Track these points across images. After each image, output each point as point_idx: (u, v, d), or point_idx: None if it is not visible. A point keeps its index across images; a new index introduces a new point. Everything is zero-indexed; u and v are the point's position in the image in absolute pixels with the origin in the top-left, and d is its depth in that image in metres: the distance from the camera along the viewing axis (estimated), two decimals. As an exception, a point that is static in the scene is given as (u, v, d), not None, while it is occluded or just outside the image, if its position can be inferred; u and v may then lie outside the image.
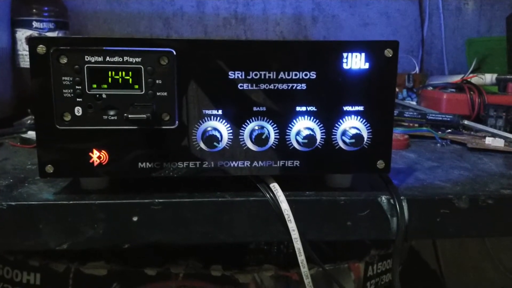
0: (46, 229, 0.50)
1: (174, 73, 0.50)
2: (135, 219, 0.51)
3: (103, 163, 0.50)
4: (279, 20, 1.26)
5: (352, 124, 0.52)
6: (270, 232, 0.53)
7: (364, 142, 0.52)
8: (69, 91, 0.49)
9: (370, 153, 0.53)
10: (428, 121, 0.92)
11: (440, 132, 0.87)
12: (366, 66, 0.51)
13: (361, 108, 0.52)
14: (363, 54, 0.50)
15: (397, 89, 1.16)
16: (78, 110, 0.49)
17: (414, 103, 1.11)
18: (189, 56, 0.49)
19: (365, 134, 0.52)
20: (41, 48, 0.48)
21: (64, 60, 0.48)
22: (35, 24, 0.96)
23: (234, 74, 0.50)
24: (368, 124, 0.52)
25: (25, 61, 0.98)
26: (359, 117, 0.52)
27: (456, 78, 1.12)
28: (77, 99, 0.49)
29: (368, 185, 0.57)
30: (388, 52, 0.51)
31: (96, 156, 0.50)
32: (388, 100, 0.52)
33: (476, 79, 1.13)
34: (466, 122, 0.90)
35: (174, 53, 0.49)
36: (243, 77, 0.50)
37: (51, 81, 0.49)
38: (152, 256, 0.59)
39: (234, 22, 1.24)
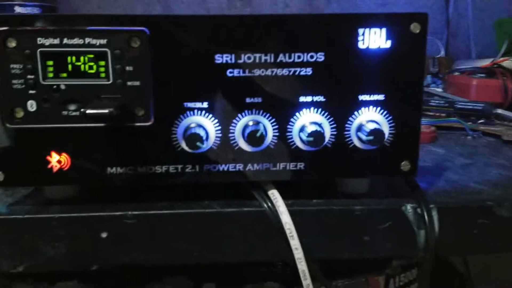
0: (-2, 249, 0.42)
1: (148, 57, 0.40)
2: (104, 235, 0.42)
3: (64, 169, 0.41)
4: (289, 1, 1.15)
5: (370, 117, 0.42)
6: (269, 250, 0.43)
7: (385, 139, 0.42)
8: (20, 81, 0.40)
9: (392, 152, 0.43)
10: (457, 111, 0.81)
11: (470, 123, 0.77)
12: (388, 44, 0.41)
13: (381, 97, 0.42)
14: (383, 30, 0.40)
15: None
16: (31, 105, 0.40)
17: (440, 90, 1.00)
18: (165, 36, 0.40)
19: (386, 129, 0.42)
20: (-18, 29, 0.39)
21: (12, 44, 0.39)
22: (17, 9, 0.87)
23: (222, 57, 0.40)
24: (391, 117, 0.42)
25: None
26: (378, 109, 0.42)
27: (486, 62, 1.01)
28: (30, 92, 0.40)
29: (389, 190, 0.47)
30: (415, 27, 0.40)
31: (56, 160, 0.41)
32: (415, 87, 0.42)
33: (508, 63, 1.01)
34: (499, 111, 0.79)
35: (148, 32, 0.40)
36: (232, 61, 0.40)
37: (-3, 70, 0.40)
38: (134, 273, 0.51)
39: (240, 4, 1.13)
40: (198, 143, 0.40)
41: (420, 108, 0.42)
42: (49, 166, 0.41)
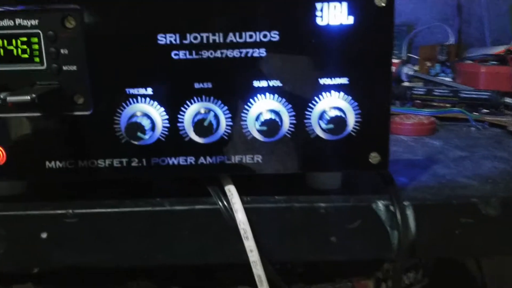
0: None
1: (84, 39, 0.36)
2: (44, 235, 0.39)
3: (0, 163, 0.38)
4: None
5: (333, 103, 0.37)
6: (224, 252, 0.39)
7: (351, 128, 0.38)
8: (-50, 68, 0.37)
9: (359, 143, 0.38)
10: (462, 100, 0.75)
11: (475, 113, 0.71)
12: (350, 20, 0.36)
13: (344, 80, 0.37)
14: (344, 4, 0.36)
15: (428, 64, 0.98)
16: (-38, 93, 0.37)
17: (448, 79, 0.94)
18: (102, 14, 0.36)
19: (351, 117, 0.37)
20: None
21: None
22: None
23: (166, 38, 0.36)
24: (356, 104, 0.37)
25: None
26: (342, 94, 0.37)
27: (499, 49, 0.94)
28: (-40, 79, 0.37)
29: (362, 186, 0.42)
30: (380, 1, 0.36)
31: (-10, 153, 0.38)
32: (383, 69, 0.37)
33: (523, 50, 0.94)
34: (508, 100, 0.73)
35: (82, 10, 0.36)
36: (177, 41, 0.36)
37: None
38: (93, 275, 0.47)
39: None
40: (139, 134, 0.36)
41: (388, 92, 0.37)
42: (-16, 160, 0.38)
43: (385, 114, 0.38)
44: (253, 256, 0.38)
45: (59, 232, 0.39)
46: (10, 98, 0.34)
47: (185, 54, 0.37)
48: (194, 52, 0.37)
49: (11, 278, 0.48)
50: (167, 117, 0.38)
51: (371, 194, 0.40)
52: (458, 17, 1.08)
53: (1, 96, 0.37)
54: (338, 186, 0.42)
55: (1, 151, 0.38)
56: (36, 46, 0.37)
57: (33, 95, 0.34)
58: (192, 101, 0.37)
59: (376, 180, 0.43)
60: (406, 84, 0.91)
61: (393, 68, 0.82)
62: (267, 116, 0.36)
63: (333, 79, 0.37)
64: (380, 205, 0.39)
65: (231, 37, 0.36)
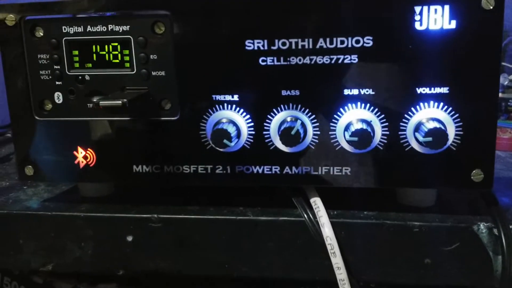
0: (26, 245, 0.40)
1: (173, 44, 0.36)
2: (129, 239, 0.39)
3: (90, 165, 0.39)
4: None
5: (431, 115, 0.34)
6: (308, 267, 0.37)
7: (450, 142, 0.34)
8: (47, 72, 0.38)
9: (460, 158, 0.35)
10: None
11: None
12: (452, 25, 0.33)
13: (444, 90, 0.34)
14: (446, 7, 0.33)
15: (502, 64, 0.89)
16: (58, 97, 0.39)
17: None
18: (192, 20, 0.36)
19: (451, 129, 0.34)
20: (10, 19, 0.38)
21: (40, 33, 0.38)
22: None
23: (253, 43, 0.35)
24: (457, 115, 0.34)
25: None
26: (441, 104, 0.34)
27: None
28: (57, 83, 0.38)
29: (460, 205, 0.39)
30: (487, 3, 0.32)
31: (82, 155, 0.39)
32: (489, 78, 0.33)
33: None
34: None
35: (172, 16, 0.36)
36: (265, 47, 0.35)
37: (26, 60, 0.38)
38: (169, 281, 0.47)
39: None
40: (225, 141, 0.35)
41: (495, 103, 0.34)
42: (76, 161, 0.39)
43: (490, 127, 0.34)
44: (341, 274, 0.35)
45: (143, 236, 0.39)
46: (103, 103, 0.34)
47: (272, 60, 0.35)
48: (282, 59, 0.35)
49: (96, 277, 0.49)
50: (252, 124, 0.37)
51: (470, 215, 0.37)
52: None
53: (94, 100, 0.37)
54: (432, 204, 0.39)
55: (92, 153, 0.39)
56: (126, 51, 0.37)
57: (124, 100, 0.34)
58: (279, 108, 0.36)
59: (474, 199, 0.40)
60: (500, 95, 0.84)
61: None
62: (358, 126, 0.34)
63: (432, 88, 0.34)
64: (482, 227, 0.35)
65: (321, 42, 0.35)
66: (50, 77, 0.38)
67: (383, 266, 0.37)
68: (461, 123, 0.34)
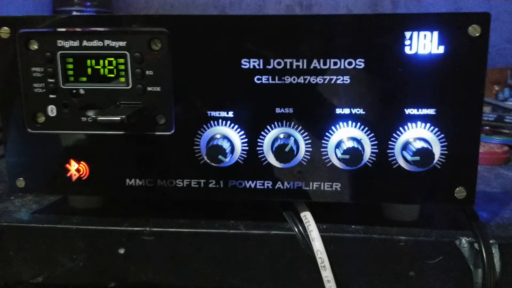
0: (17, 257, 0.40)
1: (169, 61, 0.37)
2: (121, 251, 0.39)
3: (83, 178, 0.39)
4: (351, 7, 1.07)
5: (417, 134, 0.36)
6: (298, 280, 0.39)
7: (436, 161, 0.36)
8: (41, 85, 0.38)
9: (444, 176, 0.36)
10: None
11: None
12: (440, 50, 0.35)
13: (431, 111, 0.36)
14: (435, 33, 0.34)
15: (496, 88, 0.94)
16: (51, 110, 0.39)
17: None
18: (188, 38, 0.37)
19: (437, 149, 0.36)
20: (4, 31, 0.38)
21: (34, 46, 0.38)
22: (75, 13, 0.88)
23: (249, 62, 0.36)
24: (442, 135, 0.36)
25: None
26: (428, 125, 0.36)
27: None
28: (50, 96, 0.38)
29: (442, 220, 0.41)
30: (474, 30, 0.34)
31: (75, 168, 0.39)
32: (474, 101, 0.35)
33: None
34: None
35: (169, 33, 0.37)
36: (261, 66, 0.36)
37: (20, 73, 0.38)
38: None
39: (299, 9, 1.07)
40: (220, 157, 0.36)
41: (479, 125, 0.35)
42: (68, 174, 0.39)
43: (473, 147, 0.36)
44: (331, 286, 0.37)
45: (136, 249, 0.39)
46: (101, 118, 0.35)
47: (267, 79, 0.36)
48: (277, 77, 0.36)
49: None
50: (246, 140, 0.38)
51: (452, 229, 0.38)
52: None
53: (92, 116, 0.38)
54: (415, 218, 0.40)
55: (85, 166, 0.39)
56: (122, 67, 0.37)
57: (123, 117, 0.34)
58: (272, 125, 0.37)
59: (455, 214, 0.41)
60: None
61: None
62: (349, 144, 0.36)
63: (419, 109, 0.36)
64: (464, 241, 0.37)
65: (315, 63, 0.36)
66: (44, 90, 0.38)
67: (370, 279, 0.38)
68: (446, 143, 0.36)
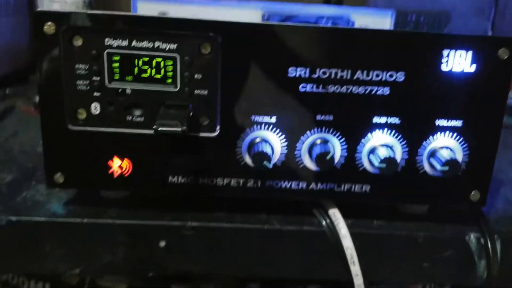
0: (54, 252, 0.41)
1: (218, 66, 0.38)
2: (162, 244, 0.41)
3: (125, 175, 0.40)
4: None
5: (444, 143, 0.40)
6: (326, 271, 0.42)
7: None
8: (85, 82, 0.38)
9: (463, 181, 0.41)
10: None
11: None
12: (472, 69, 0.38)
13: (459, 123, 0.39)
14: (469, 53, 0.38)
15: None
16: (95, 107, 0.39)
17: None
18: (238, 44, 0.38)
19: (459, 156, 0.40)
20: (49, 27, 0.37)
21: (78, 42, 0.38)
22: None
23: (296, 71, 0.38)
24: (466, 145, 0.40)
25: (43, 6, 0.84)
26: (455, 135, 0.40)
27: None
28: (95, 94, 0.39)
29: (449, 214, 0.45)
30: (503, 53, 0.38)
31: (117, 165, 0.40)
32: (496, 116, 0.39)
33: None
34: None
35: (220, 39, 0.38)
36: (306, 75, 0.38)
37: (62, 69, 0.38)
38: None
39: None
40: (265, 163, 0.38)
41: (497, 138, 0.40)
42: (110, 171, 0.40)
43: (491, 157, 0.40)
44: (358, 280, 0.40)
45: (176, 242, 0.41)
46: (162, 129, 0.36)
47: (312, 87, 0.39)
48: (320, 86, 0.39)
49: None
50: (286, 144, 0.40)
51: (462, 226, 0.43)
52: (494, 8, 1.04)
53: (137, 114, 0.39)
54: (425, 212, 0.45)
55: (128, 163, 0.40)
56: (170, 68, 0.38)
57: (184, 128, 0.35)
58: (312, 131, 0.39)
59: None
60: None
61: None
62: (383, 151, 0.39)
63: (448, 121, 0.39)
64: (472, 237, 0.42)
65: (358, 74, 0.38)
66: (88, 87, 0.38)
67: (389, 270, 0.43)
68: (468, 152, 0.40)
